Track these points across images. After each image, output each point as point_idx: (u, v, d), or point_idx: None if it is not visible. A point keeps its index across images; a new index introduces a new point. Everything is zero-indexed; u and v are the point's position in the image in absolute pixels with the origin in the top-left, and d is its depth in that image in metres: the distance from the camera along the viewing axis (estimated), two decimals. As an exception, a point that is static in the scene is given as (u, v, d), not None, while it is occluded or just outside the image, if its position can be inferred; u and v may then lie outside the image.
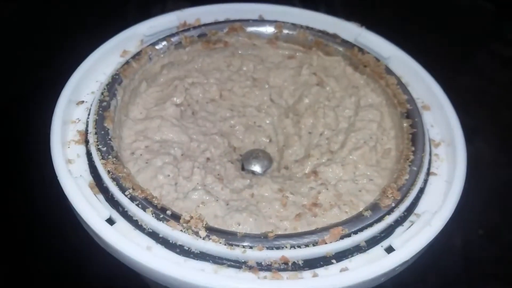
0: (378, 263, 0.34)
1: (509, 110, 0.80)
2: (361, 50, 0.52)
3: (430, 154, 0.43)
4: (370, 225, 0.36)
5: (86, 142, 0.41)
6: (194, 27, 0.53)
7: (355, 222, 0.36)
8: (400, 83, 0.48)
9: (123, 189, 0.37)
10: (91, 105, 0.44)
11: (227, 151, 0.47)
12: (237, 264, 0.34)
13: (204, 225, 0.35)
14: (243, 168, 0.48)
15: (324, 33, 0.54)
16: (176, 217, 0.36)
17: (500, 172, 0.77)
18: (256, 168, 0.48)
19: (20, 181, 0.65)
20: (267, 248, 0.34)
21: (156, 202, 0.36)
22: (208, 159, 0.45)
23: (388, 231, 0.37)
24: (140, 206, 0.36)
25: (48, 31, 0.81)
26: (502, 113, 0.80)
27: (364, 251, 0.36)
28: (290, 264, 0.34)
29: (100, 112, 0.43)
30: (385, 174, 0.43)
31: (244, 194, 0.42)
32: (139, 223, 0.36)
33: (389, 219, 0.37)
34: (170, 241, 0.35)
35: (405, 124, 0.44)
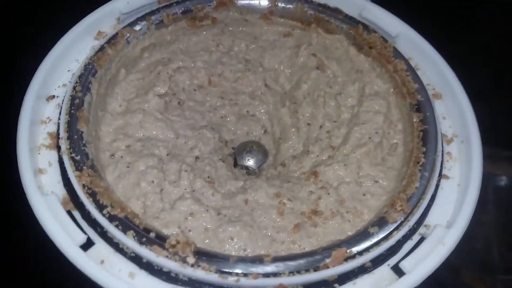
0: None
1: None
2: (366, 27, 0.46)
3: (442, 154, 0.39)
4: (377, 243, 0.33)
5: (58, 148, 0.37)
6: (177, 2, 0.47)
7: (360, 241, 0.33)
8: (410, 69, 0.43)
9: (100, 207, 0.33)
10: (63, 102, 0.39)
11: (217, 147, 0.43)
12: (231, 293, 0.31)
13: (192, 250, 0.31)
14: (235, 164, 0.44)
15: (325, 7, 0.48)
16: (161, 238, 0.32)
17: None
18: (250, 163, 0.44)
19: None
20: (263, 275, 0.31)
21: (138, 222, 0.32)
22: (197, 158, 0.41)
23: (395, 248, 0.34)
24: (120, 227, 0.32)
25: (8, 12, 0.62)
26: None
27: (369, 271, 0.33)
28: (288, 291, 0.31)
29: (72, 111, 0.38)
30: (391, 175, 0.39)
31: (238, 200, 0.38)
32: (120, 246, 0.32)
33: (397, 235, 0.33)
34: (155, 267, 0.31)
35: (415, 119, 0.40)
